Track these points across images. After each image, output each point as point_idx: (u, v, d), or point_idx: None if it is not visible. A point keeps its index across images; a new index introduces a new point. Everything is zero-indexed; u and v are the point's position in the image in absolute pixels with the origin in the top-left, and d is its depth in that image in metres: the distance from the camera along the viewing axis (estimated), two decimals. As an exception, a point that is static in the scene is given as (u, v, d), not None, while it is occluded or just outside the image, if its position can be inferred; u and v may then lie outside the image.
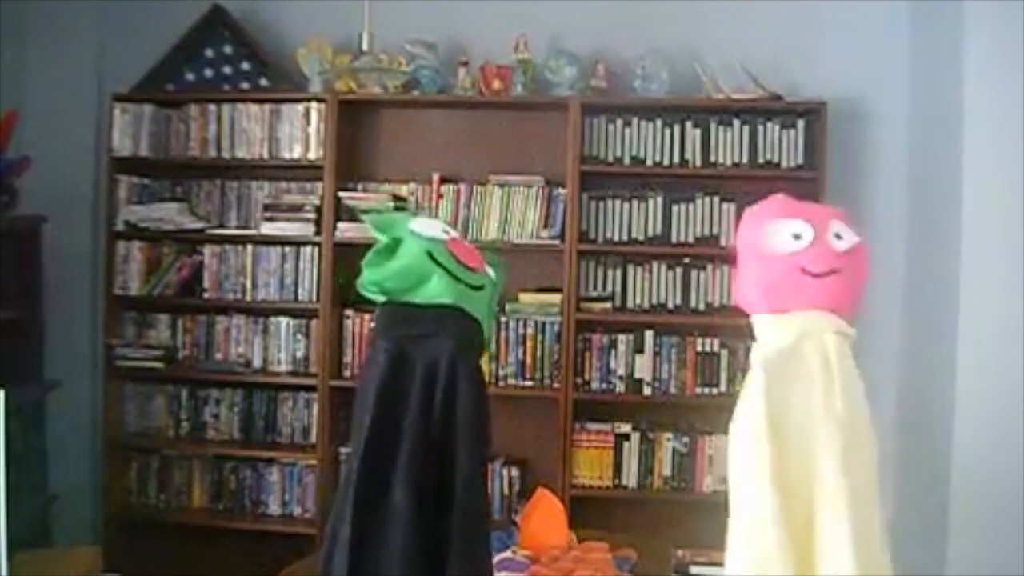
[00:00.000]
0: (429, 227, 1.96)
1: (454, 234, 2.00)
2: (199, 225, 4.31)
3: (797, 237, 1.82)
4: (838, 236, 1.85)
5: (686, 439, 4.12)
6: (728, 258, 4.09)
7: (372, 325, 3.95)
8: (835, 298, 1.83)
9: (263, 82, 4.33)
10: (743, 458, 1.74)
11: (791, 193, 4.24)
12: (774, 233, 1.83)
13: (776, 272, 1.82)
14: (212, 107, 4.29)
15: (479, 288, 1.95)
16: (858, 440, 1.73)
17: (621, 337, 4.13)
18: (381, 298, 1.93)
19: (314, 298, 4.22)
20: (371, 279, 1.90)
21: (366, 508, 1.81)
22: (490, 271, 2.04)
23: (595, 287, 4.18)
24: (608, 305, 4.13)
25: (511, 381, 4.17)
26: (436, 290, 1.88)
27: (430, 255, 1.89)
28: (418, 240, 1.91)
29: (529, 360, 4.16)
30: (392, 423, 1.82)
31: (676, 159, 4.10)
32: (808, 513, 1.70)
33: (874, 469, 1.75)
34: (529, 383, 4.16)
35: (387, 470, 1.81)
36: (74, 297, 4.42)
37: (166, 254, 4.37)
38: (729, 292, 4.10)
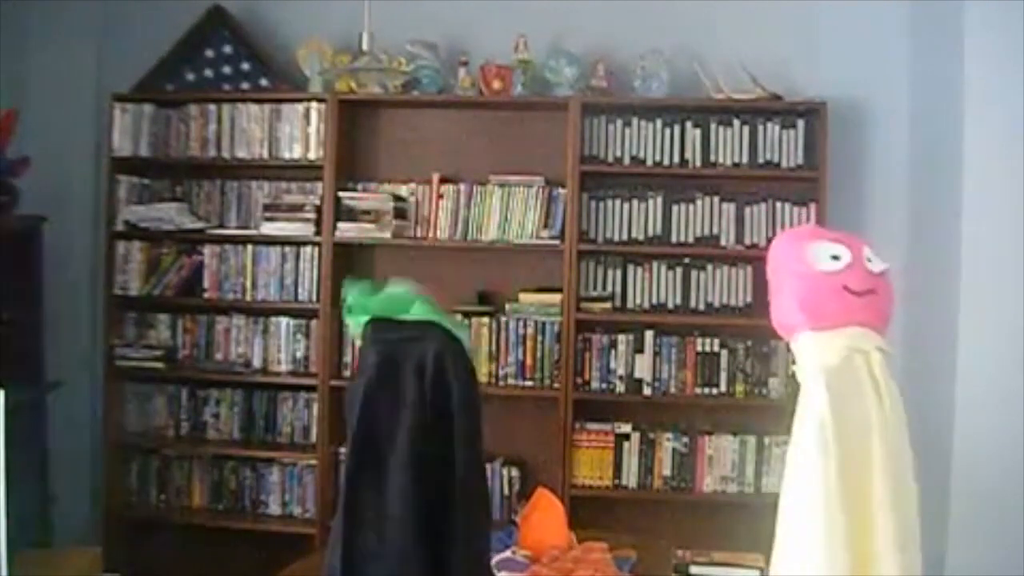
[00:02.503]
0: (401, 283, 2.03)
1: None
2: (199, 225, 4.31)
3: (835, 258, 1.89)
4: (869, 260, 1.93)
5: (686, 439, 4.12)
6: (725, 257, 4.11)
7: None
8: (874, 317, 1.89)
9: (263, 82, 4.33)
10: (807, 472, 1.76)
11: (791, 193, 4.28)
12: (813, 254, 1.89)
13: (819, 289, 1.88)
14: (212, 107, 4.29)
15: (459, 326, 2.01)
16: (901, 452, 1.80)
17: (621, 337, 4.13)
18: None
19: (314, 298, 4.23)
20: (358, 320, 1.95)
21: (362, 509, 1.81)
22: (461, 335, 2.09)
23: (595, 287, 4.17)
24: (608, 305, 4.13)
25: (511, 381, 4.17)
26: (420, 312, 1.93)
27: (407, 292, 1.96)
28: (394, 285, 1.98)
29: (529, 360, 4.16)
30: (385, 423, 1.83)
31: (676, 159, 4.10)
32: (862, 527, 1.74)
33: (912, 480, 1.82)
34: (529, 383, 4.16)
35: (382, 471, 1.81)
36: (74, 297, 4.43)
37: (166, 254, 4.37)
38: (729, 292, 4.11)
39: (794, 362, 1.91)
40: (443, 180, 4.22)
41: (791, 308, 1.90)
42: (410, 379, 1.84)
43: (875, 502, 1.75)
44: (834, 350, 1.82)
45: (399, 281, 2.04)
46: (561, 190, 4.11)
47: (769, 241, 4.22)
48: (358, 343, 2.07)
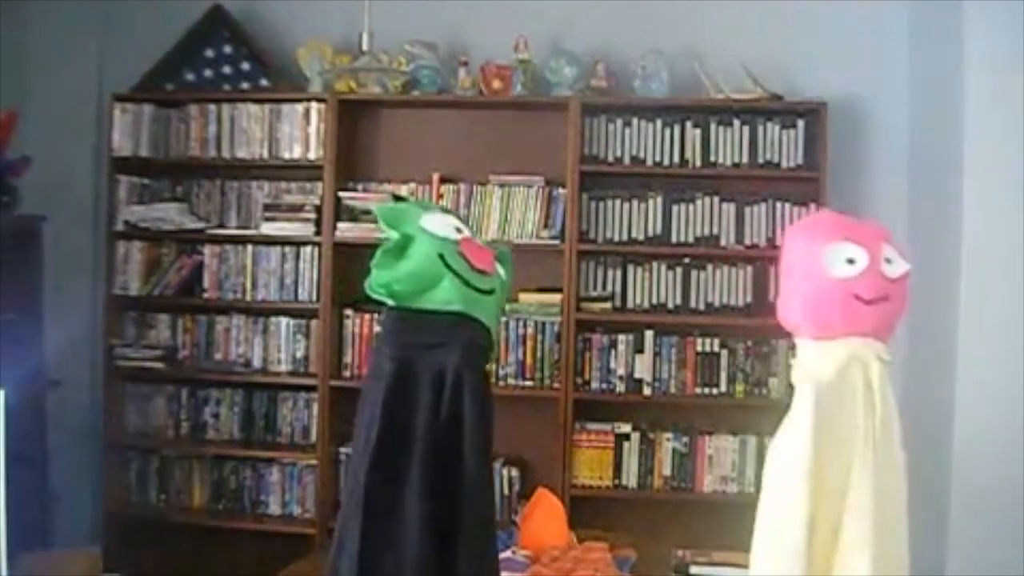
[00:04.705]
0: (441, 226, 1.89)
1: (466, 232, 1.93)
2: (199, 225, 4.31)
3: (851, 262, 1.79)
4: (888, 261, 1.84)
5: (686, 439, 4.12)
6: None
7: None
8: (880, 325, 1.83)
9: (263, 82, 4.33)
10: (783, 474, 1.75)
11: (791, 193, 4.26)
12: (828, 256, 1.80)
13: (828, 296, 1.80)
14: (212, 107, 4.29)
15: (489, 292, 1.90)
16: (890, 462, 1.77)
17: (621, 337, 4.13)
18: (389, 300, 1.89)
19: (314, 298, 4.22)
20: (380, 281, 1.85)
21: (376, 517, 1.79)
22: (500, 269, 1.98)
23: (595, 287, 4.17)
24: (608, 305, 4.13)
25: (511, 381, 4.17)
26: (446, 295, 1.84)
27: (441, 258, 1.84)
28: (430, 240, 1.85)
29: (529, 360, 4.16)
30: (400, 433, 1.80)
31: (676, 159, 4.10)
32: (834, 532, 1.73)
33: (903, 490, 1.79)
34: (529, 383, 4.16)
35: (398, 479, 1.78)
36: (74, 297, 4.42)
37: (166, 254, 4.37)
38: (729, 292, 4.11)
39: (794, 356, 1.88)
40: (443, 180, 4.22)
41: (796, 309, 1.84)
42: (427, 391, 1.80)
43: (855, 513, 1.73)
44: (832, 362, 1.77)
45: (438, 217, 1.90)
46: (561, 190, 4.11)
47: (769, 241, 4.25)
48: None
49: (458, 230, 1.91)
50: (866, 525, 1.71)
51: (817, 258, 1.81)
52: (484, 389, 1.85)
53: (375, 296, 1.89)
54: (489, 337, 1.91)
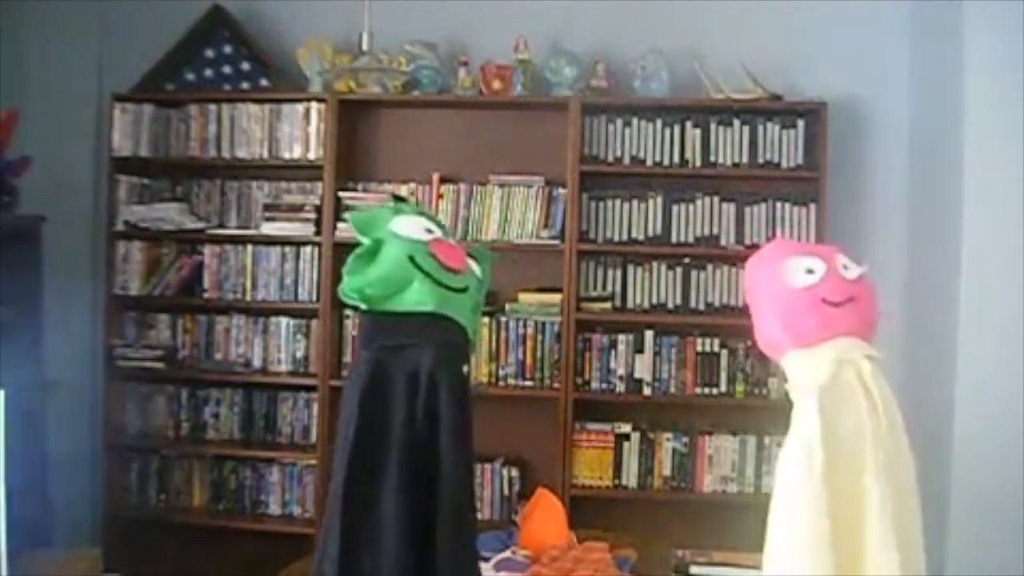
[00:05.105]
0: (411, 228, 1.92)
1: (437, 233, 1.96)
2: (199, 225, 4.31)
3: (810, 272, 1.89)
4: (845, 267, 1.93)
5: (686, 439, 4.12)
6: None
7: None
8: (858, 325, 1.89)
9: (263, 82, 4.33)
10: (794, 482, 1.76)
11: (791, 193, 4.27)
12: (787, 271, 1.90)
13: (797, 306, 1.88)
14: (212, 107, 4.29)
15: (462, 290, 1.93)
16: (899, 459, 1.79)
17: (621, 337, 4.13)
18: (361, 305, 1.91)
19: (314, 298, 4.23)
20: (352, 287, 1.88)
21: (354, 519, 1.80)
22: (474, 267, 2.01)
23: (595, 287, 4.17)
24: (608, 305, 4.13)
25: (511, 381, 4.17)
26: (417, 296, 1.86)
27: (411, 260, 1.87)
28: (399, 243, 1.88)
29: (529, 360, 4.16)
30: (376, 433, 1.82)
31: (676, 159, 4.10)
32: (853, 537, 1.74)
33: (915, 485, 1.81)
34: (529, 383, 4.16)
35: (374, 478, 1.80)
36: (74, 297, 4.42)
37: (166, 254, 4.37)
38: (729, 292, 4.11)
39: (786, 380, 1.91)
40: (443, 180, 4.22)
41: (774, 329, 1.91)
42: (401, 391, 1.82)
43: (870, 513, 1.74)
44: (822, 366, 1.81)
45: (408, 219, 1.93)
46: (561, 190, 4.11)
47: (769, 241, 4.24)
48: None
49: (428, 231, 1.94)
50: (889, 525, 1.72)
51: (778, 275, 1.91)
52: (461, 387, 1.86)
53: (348, 301, 1.92)
54: (465, 335, 1.93)
